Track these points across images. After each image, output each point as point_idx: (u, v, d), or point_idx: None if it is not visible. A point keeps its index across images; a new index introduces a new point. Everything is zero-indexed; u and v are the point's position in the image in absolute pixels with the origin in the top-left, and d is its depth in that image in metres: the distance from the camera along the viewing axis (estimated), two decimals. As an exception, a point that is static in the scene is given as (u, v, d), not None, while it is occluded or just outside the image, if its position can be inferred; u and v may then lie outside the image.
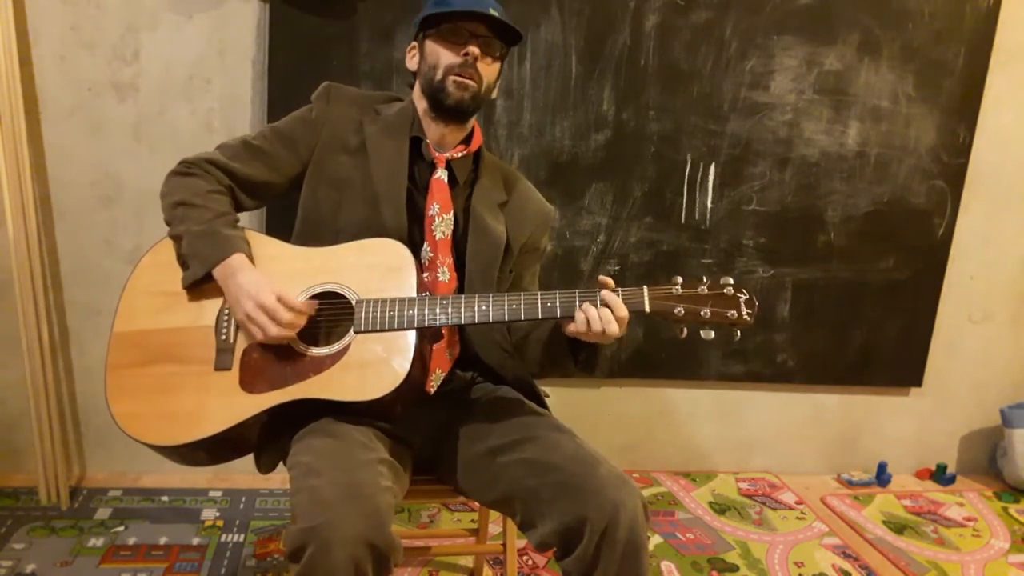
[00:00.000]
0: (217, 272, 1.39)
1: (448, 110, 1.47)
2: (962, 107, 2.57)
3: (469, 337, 1.55)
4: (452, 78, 1.44)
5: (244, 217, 1.50)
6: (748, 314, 1.33)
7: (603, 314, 1.31)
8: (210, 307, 1.40)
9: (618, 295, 1.33)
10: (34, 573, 1.87)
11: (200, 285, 1.41)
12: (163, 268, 1.44)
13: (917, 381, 2.79)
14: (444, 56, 1.45)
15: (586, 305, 1.32)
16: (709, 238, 2.52)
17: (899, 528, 2.48)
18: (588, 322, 1.31)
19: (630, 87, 2.36)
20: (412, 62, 1.54)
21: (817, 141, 2.51)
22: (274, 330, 1.33)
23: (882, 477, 2.76)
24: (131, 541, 2.03)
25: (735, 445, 2.77)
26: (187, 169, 1.48)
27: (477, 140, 1.57)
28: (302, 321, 1.37)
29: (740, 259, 2.55)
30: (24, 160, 2.06)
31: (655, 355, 2.58)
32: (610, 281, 1.34)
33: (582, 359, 1.44)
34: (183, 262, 1.43)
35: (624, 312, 1.32)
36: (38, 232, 2.12)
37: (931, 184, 2.61)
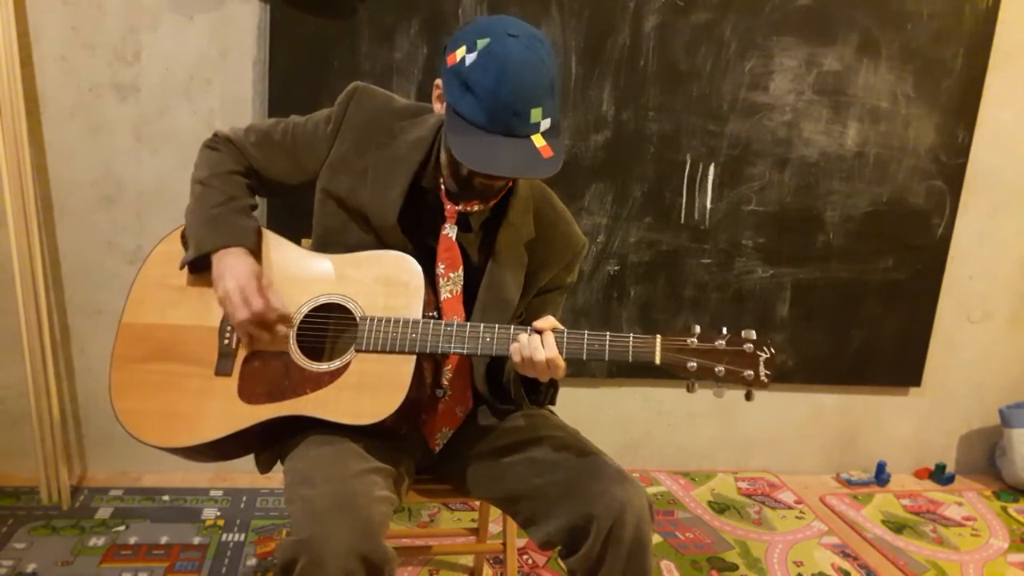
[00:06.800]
0: (213, 257, 1.37)
1: (474, 198, 1.38)
2: (961, 107, 2.57)
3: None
4: (480, 179, 1.32)
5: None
6: (766, 375, 1.23)
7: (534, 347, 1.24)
8: (217, 306, 1.40)
9: (630, 342, 1.24)
10: (35, 572, 1.88)
11: (205, 280, 1.39)
12: (174, 260, 1.44)
13: (916, 381, 2.80)
14: None
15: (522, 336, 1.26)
16: (708, 238, 2.52)
17: (898, 527, 2.48)
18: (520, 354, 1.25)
19: (630, 88, 2.37)
20: (439, 106, 1.35)
21: (816, 141, 2.51)
22: (243, 314, 1.31)
23: (881, 477, 2.76)
24: (132, 540, 2.04)
25: (734, 445, 2.78)
26: (215, 144, 1.48)
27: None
28: (273, 317, 1.33)
29: (739, 259, 2.55)
30: (25, 160, 2.07)
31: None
32: (543, 327, 1.26)
33: (541, 393, 1.39)
34: (185, 243, 1.42)
35: (540, 357, 1.23)
36: (39, 232, 2.12)
37: (930, 184, 2.61)
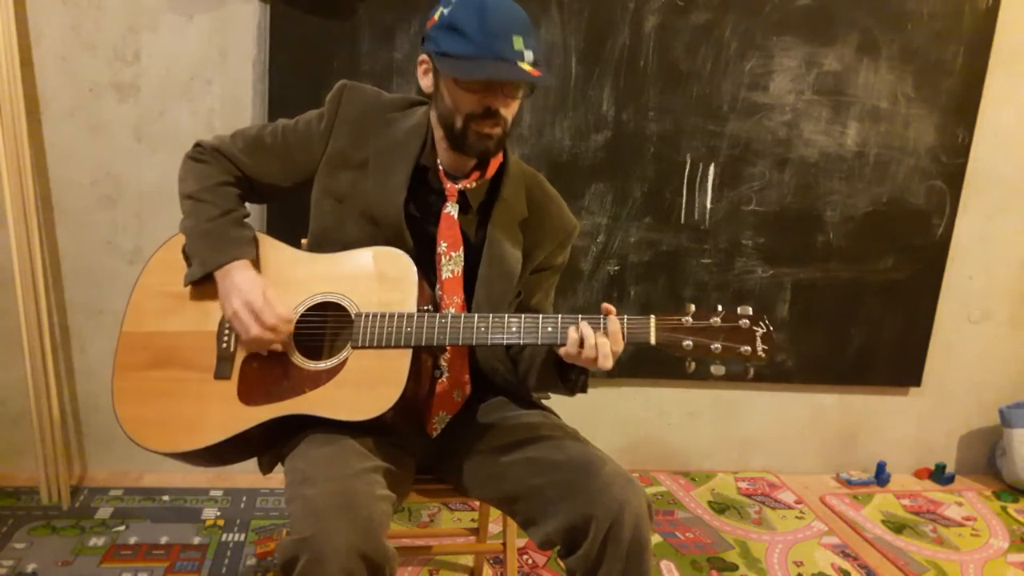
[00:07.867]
0: (217, 274, 1.39)
1: (469, 154, 1.39)
2: (961, 107, 2.57)
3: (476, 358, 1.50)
4: (474, 128, 1.34)
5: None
6: (764, 350, 1.22)
7: (600, 343, 1.23)
8: (214, 311, 1.41)
9: (623, 324, 1.25)
10: (35, 572, 1.88)
11: (203, 286, 1.41)
12: (172, 267, 1.44)
13: (916, 381, 2.80)
14: (464, 103, 1.33)
15: (584, 326, 1.24)
16: (708, 238, 2.52)
17: (898, 527, 2.48)
18: (582, 345, 1.23)
19: (630, 87, 2.37)
20: (425, 81, 1.40)
21: (816, 141, 2.51)
22: (255, 330, 1.32)
23: (881, 477, 2.76)
24: (132, 540, 2.04)
25: (734, 445, 2.78)
26: (200, 155, 1.48)
27: (497, 159, 1.46)
28: (287, 328, 1.34)
29: (739, 259, 2.55)
30: (25, 160, 2.07)
31: (655, 355, 2.57)
32: (612, 309, 1.26)
33: (572, 380, 1.38)
34: (187, 259, 1.43)
35: (620, 347, 1.24)
36: (39, 232, 2.13)
37: (930, 184, 2.61)
